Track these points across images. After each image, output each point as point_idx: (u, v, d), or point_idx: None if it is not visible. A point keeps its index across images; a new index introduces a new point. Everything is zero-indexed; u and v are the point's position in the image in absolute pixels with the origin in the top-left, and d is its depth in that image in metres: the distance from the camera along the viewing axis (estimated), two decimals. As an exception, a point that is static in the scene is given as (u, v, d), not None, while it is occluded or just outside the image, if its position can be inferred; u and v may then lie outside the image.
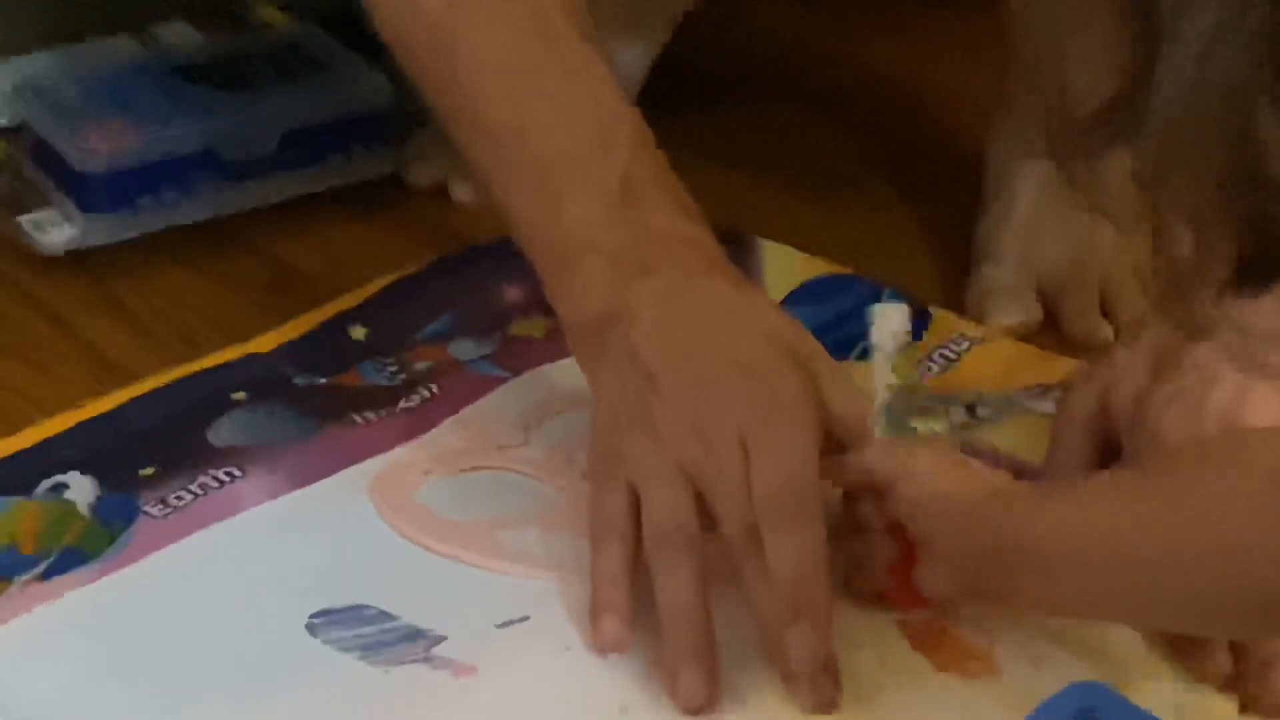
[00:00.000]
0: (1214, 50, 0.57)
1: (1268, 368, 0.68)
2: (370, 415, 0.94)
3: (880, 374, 0.88)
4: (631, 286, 0.84)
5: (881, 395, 0.87)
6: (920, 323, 1.03)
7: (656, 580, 0.81)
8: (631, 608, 0.81)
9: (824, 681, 0.79)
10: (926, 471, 0.80)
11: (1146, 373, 0.83)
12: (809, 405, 0.81)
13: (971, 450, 0.91)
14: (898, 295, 1.04)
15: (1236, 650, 0.80)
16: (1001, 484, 0.81)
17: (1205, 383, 0.81)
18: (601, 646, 0.81)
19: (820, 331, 1.01)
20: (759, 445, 0.80)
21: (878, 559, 0.82)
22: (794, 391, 0.81)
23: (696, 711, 0.79)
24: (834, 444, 0.83)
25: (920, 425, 0.92)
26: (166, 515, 0.88)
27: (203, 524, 0.88)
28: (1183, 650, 0.81)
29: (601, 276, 0.85)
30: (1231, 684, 0.81)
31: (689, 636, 0.80)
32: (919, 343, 1.01)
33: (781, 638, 0.79)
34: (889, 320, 0.89)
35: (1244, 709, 0.80)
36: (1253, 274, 0.60)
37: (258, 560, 0.86)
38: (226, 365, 0.97)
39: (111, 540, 0.86)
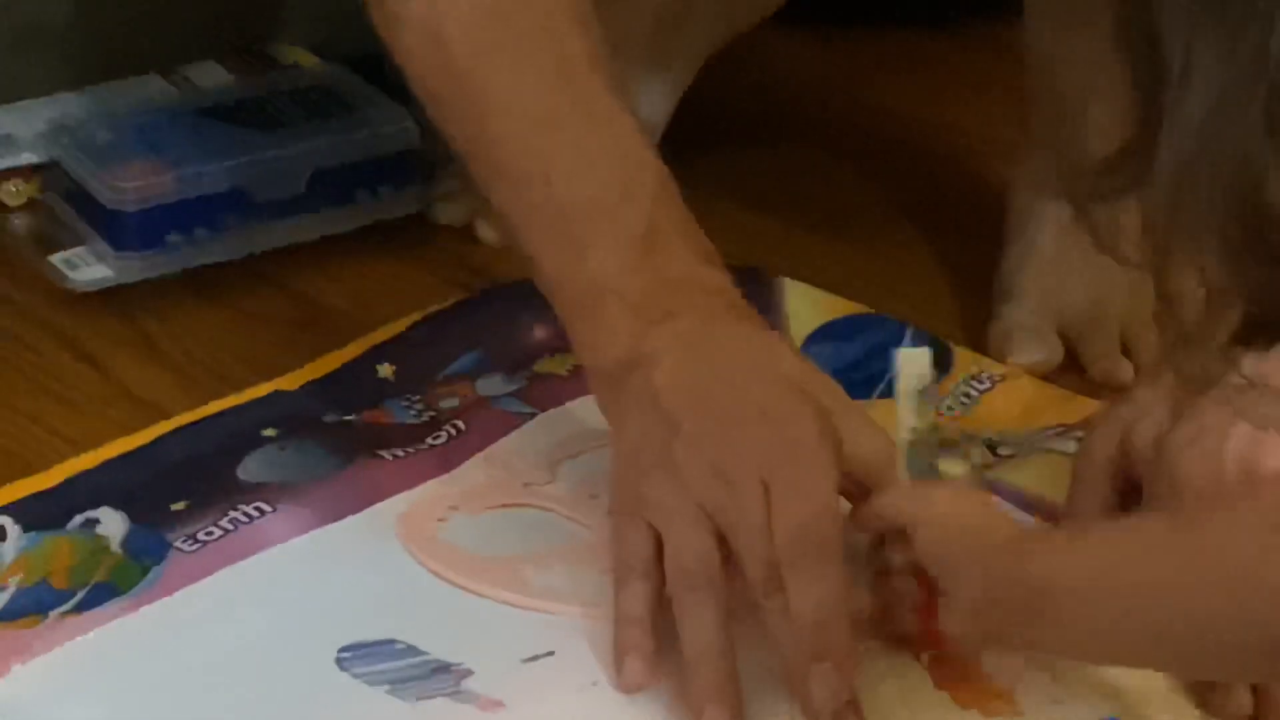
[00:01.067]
0: (1220, 116, 0.57)
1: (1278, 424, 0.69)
2: (398, 452, 0.95)
3: (904, 417, 0.87)
4: (652, 332, 0.85)
5: (905, 437, 0.87)
6: (942, 361, 1.04)
7: (680, 620, 0.81)
8: (655, 648, 0.82)
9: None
10: (947, 514, 0.81)
11: (1167, 413, 0.84)
12: (829, 448, 0.82)
13: (994, 488, 0.92)
14: (921, 334, 1.05)
15: (1258, 690, 0.81)
16: (1021, 528, 0.81)
17: (1224, 424, 0.82)
18: (625, 687, 0.82)
19: (843, 370, 1.02)
20: (780, 487, 0.81)
21: (903, 602, 0.83)
22: (814, 435, 0.82)
23: None
24: (855, 485, 0.84)
25: (944, 466, 0.93)
26: (197, 550, 0.89)
27: (233, 559, 0.88)
28: (1204, 689, 0.82)
29: (623, 323, 0.86)
30: (1251, 721, 0.81)
31: (713, 676, 0.80)
32: (940, 382, 1.02)
33: (805, 678, 0.79)
34: (913, 364, 0.89)
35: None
36: (1261, 330, 0.60)
37: (287, 595, 0.87)
38: (256, 402, 0.98)
39: (143, 575, 0.87)
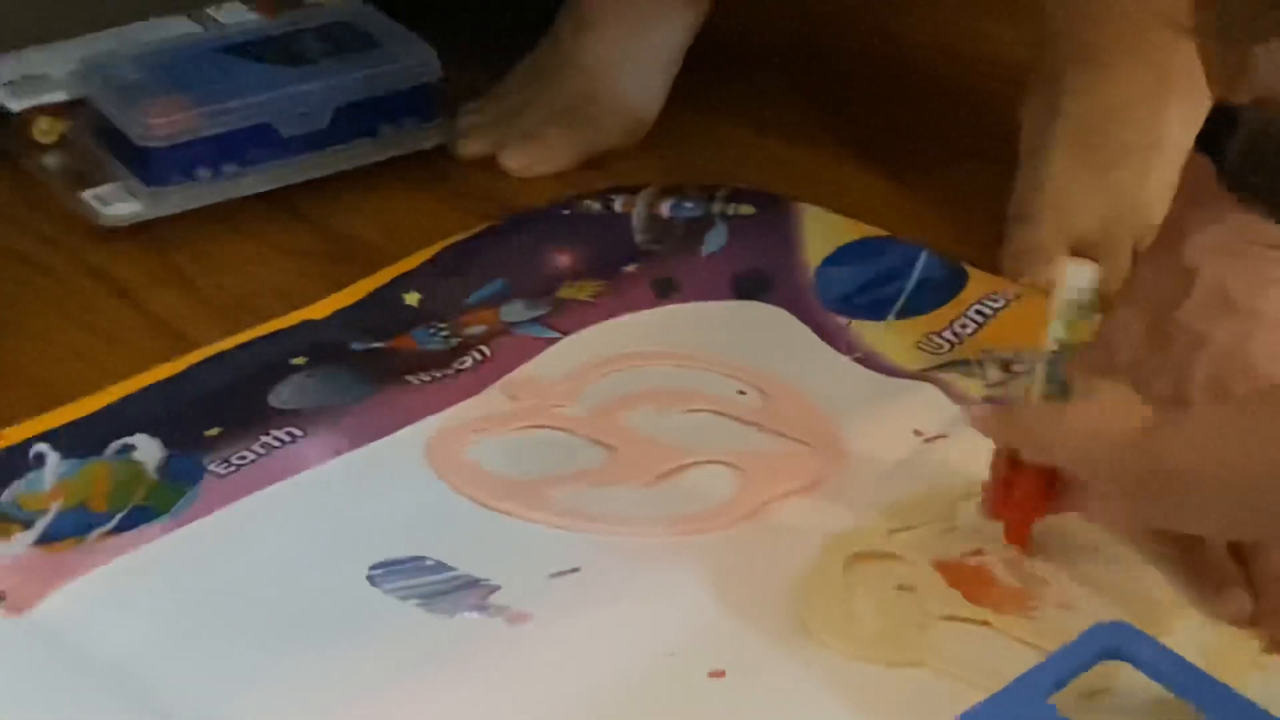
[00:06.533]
0: None
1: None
2: (425, 377, 0.97)
3: (1054, 328, 0.84)
4: None
5: (1049, 348, 0.84)
6: (957, 282, 1.05)
7: None
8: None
9: None
10: (1082, 431, 0.79)
11: (1141, 332, 0.85)
12: None
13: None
14: (936, 257, 1.06)
15: (1258, 592, 0.83)
16: (1148, 421, 0.78)
17: (1191, 349, 0.83)
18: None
19: (860, 292, 1.04)
20: None
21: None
22: None
23: None
24: None
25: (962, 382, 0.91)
26: (231, 474, 0.91)
27: (266, 482, 0.90)
28: (1206, 593, 0.83)
29: None
30: (1253, 623, 0.83)
31: None
32: (956, 299, 1.04)
33: None
34: (1078, 276, 0.85)
35: (1269, 649, 0.82)
36: None
37: (320, 516, 0.89)
38: (285, 331, 1.00)
39: (179, 497, 0.89)
